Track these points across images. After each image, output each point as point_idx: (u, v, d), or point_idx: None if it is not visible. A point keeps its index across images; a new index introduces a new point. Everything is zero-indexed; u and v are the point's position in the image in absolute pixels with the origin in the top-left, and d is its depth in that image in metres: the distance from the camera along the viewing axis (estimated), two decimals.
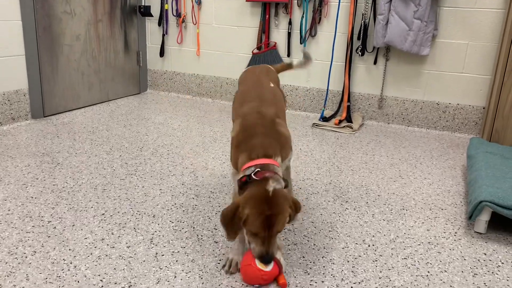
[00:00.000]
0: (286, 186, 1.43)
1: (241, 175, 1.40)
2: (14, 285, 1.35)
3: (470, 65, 3.10)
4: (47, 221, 1.74)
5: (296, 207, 1.38)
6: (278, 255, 1.44)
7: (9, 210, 1.82)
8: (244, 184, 1.37)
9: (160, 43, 4.06)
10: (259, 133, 1.46)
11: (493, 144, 2.45)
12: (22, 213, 1.80)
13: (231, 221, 1.32)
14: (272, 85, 1.80)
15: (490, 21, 3.00)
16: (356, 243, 1.69)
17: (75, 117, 3.23)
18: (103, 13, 3.56)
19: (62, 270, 1.44)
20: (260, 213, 1.29)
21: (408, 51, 3.09)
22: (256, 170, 1.36)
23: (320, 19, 3.44)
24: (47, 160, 2.37)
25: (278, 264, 1.40)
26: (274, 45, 3.60)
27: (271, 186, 1.32)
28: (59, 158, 2.41)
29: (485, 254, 1.65)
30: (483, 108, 3.13)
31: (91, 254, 1.54)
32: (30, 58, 2.98)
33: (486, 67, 3.06)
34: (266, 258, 1.33)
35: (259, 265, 1.36)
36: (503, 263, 1.60)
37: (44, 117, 3.16)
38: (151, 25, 4.08)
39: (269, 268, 1.37)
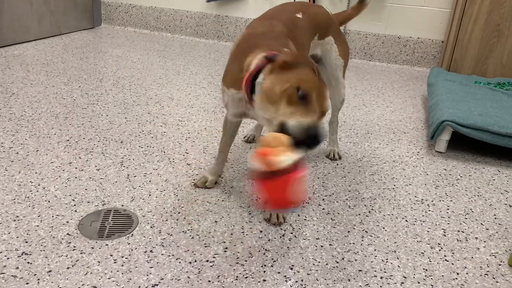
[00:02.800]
0: None
1: None
2: None
3: None
4: (8, 147, 1.66)
5: None
6: None
7: None
8: None
9: None
10: (270, 37, 1.22)
11: (451, 73, 2.53)
12: None
13: None
14: (299, 16, 1.42)
15: None
16: (325, 163, 1.74)
17: (26, 49, 3.02)
18: None
19: (31, 191, 1.39)
20: None
21: None
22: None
23: None
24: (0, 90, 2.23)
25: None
26: None
27: None
28: (13, 89, 2.26)
29: (445, 169, 1.75)
30: (442, 42, 3.20)
31: (60, 176, 1.49)
32: None
33: (446, 0, 3.10)
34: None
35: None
36: (461, 176, 1.70)
37: None
38: None
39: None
